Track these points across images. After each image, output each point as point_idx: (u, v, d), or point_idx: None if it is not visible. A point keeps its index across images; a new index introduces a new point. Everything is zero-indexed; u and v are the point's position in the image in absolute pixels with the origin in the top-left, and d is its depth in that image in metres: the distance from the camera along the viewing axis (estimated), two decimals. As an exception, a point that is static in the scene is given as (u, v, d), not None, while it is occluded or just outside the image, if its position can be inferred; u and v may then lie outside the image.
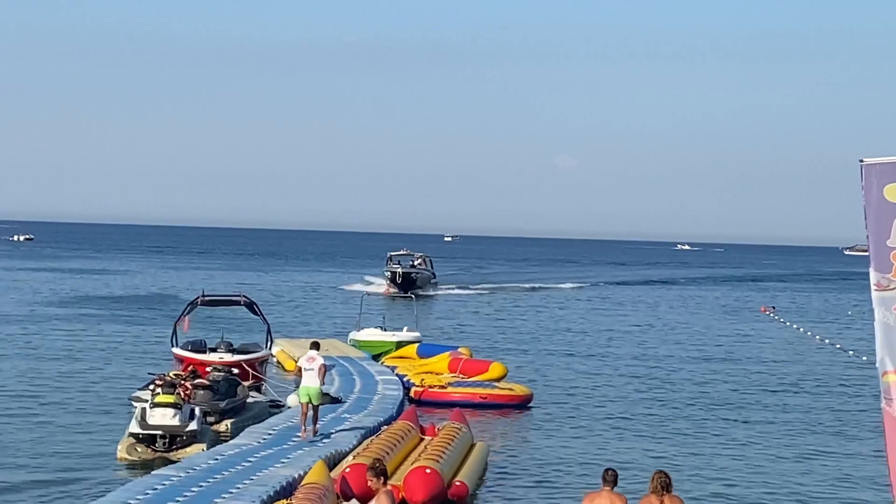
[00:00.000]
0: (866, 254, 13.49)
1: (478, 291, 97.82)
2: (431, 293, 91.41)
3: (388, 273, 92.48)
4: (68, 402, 33.14)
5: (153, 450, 25.54)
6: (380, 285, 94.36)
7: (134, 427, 25.81)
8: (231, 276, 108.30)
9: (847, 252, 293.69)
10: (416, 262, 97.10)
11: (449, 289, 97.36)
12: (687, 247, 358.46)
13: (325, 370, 25.55)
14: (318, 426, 25.47)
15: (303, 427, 25.14)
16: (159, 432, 25.55)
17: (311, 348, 26.10)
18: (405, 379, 36.36)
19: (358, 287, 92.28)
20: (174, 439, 25.63)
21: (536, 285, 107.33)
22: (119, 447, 25.74)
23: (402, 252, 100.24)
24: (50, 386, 36.25)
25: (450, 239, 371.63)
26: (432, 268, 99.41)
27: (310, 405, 25.12)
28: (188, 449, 25.51)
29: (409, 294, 72.05)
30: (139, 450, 25.57)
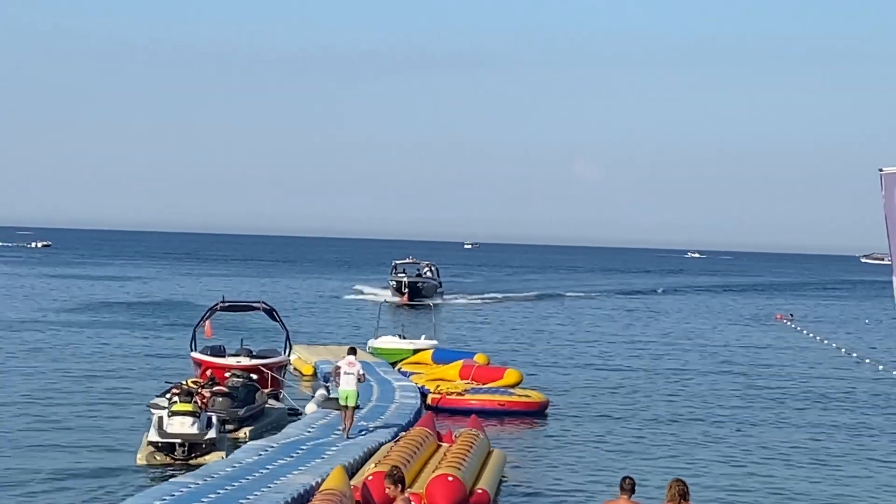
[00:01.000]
0: (884, 262, 13.48)
1: (482, 300, 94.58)
2: (438, 302, 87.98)
3: (394, 283, 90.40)
4: (87, 408, 33.22)
5: (172, 458, 25.63)
6: (378, 294, 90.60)
7: (153, 435, 25.93)
8: (244, 283, 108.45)
9: (864, 260, 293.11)
10: (422, 271, 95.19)
11: (454, 298, 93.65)
12: (697, 255, 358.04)
13: (364, 376, 27.29)
14: (351, 426, 26.80)
15: (344, 425, 26.76)
16: (178, 441, 25.63)
17: (348, 353, 27.53)
18: (422, 387, 36.35)
19: (351, 297, 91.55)
20: (193, 447, 25.72)
21: (543, 292, 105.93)
22: (139, 455, 25.87)
23: (407, 260, 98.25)
24: (68, 391, 36.38)
25: (470, 246, 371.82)
26: (438, 276, 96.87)
27: (351, 408, 26.71)
28: (208, 457, 25.59)
29: (424, 303, 71.97)
30: (158, 458, 25.67)
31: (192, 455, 25.64)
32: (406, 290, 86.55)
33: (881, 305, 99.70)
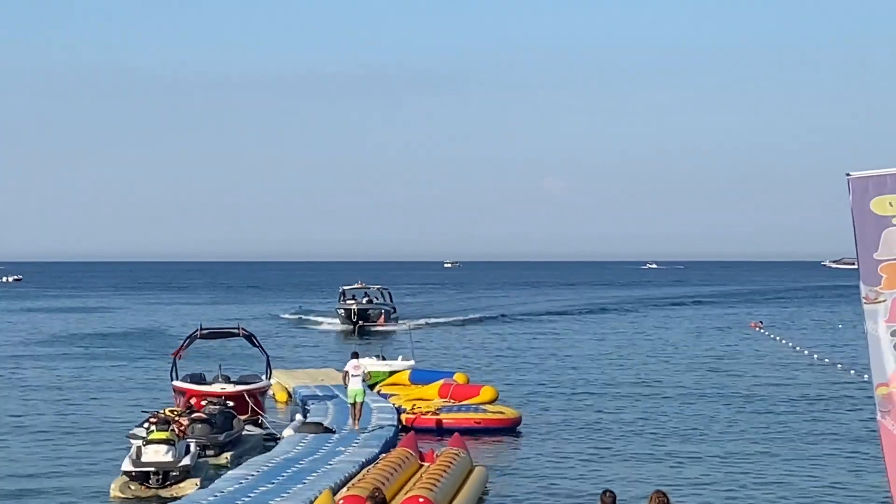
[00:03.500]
0: (853, 266, 13.63)
1: (437, 322, 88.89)
2: (392, 328, 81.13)
3: (342, 311, 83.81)
4: (65, 440, 33.15)
5: (147, 487, 25.56)
6: (324, 322, 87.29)
7: (126, 465, 25.90)
8: (216, 310, 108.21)
9: (833, 265, 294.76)
10: (372, 296, 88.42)
11: (405, 322, 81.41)
12: (654, 265, 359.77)
13: (368, 375, 32.70)
14: (359, 419, 31.35)
15: (352, 420, 31.35)
16: (152, 469, 25.59)
17: (352, 358, 32.47)
18: (398, 406, 36.39)
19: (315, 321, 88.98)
20: (167, 475, 25.67)
21: (505, 314, 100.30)
22: (112, 486, 25.77)
23: (356, 286, 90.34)
24: (46, 424, 36.27)
25: (450, 265, 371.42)
26: (391, 300, 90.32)
27: (359, 404, 31.40)
28: (182, 485, 25.56)
29: (374, 329, 69.34)
30: (132, 487, 25.61)
31: (167, 483, 25.59)
32: (356, 317, 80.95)
33: (845, 309, 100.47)
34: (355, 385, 31.35)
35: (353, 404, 31.48)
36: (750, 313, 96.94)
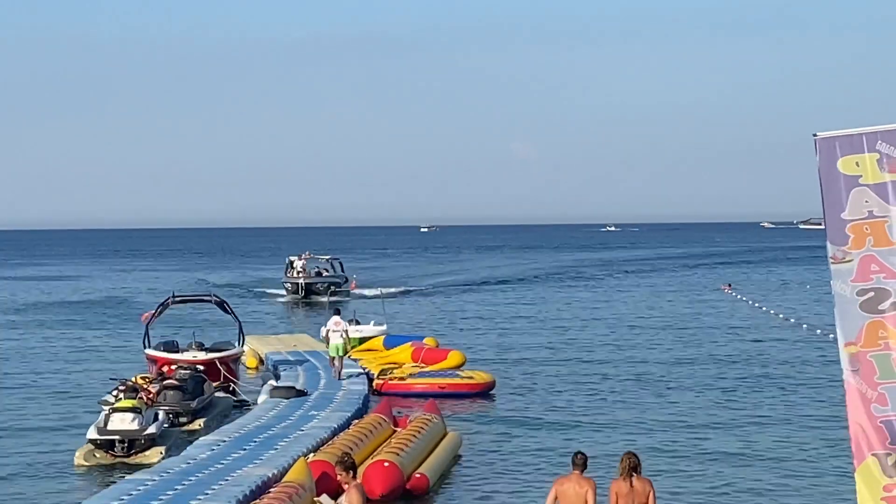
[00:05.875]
0: (821, 227, 13.69)
1: (408, 290, 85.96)
2: (341, 300, 74.38)
3: (289, 284, 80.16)
4: (34, 409, 33.07)
5: (112, 455, 25.54)
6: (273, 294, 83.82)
7: (92, 433, 25.90)
8: (180, 276, 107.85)
9: (802, 226, 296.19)
10: (321, 268, 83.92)
11: (377, 289, 76.89)
12: (613, 228, 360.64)
13: (347, 331, 34.63)
14: (341, 370, 33.96)
15: (334, 372, 34.02)
16: (117, 437, 25.57)
17: (334, 314, 35.34)
18: (368, 371, 36.50)
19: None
20: (133, 444, 25.66)
21: (474, 279, 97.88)
22: (77, 454, 25.78)
23: (304, 256, 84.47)
24: (15, 393, 36.16)
25: (426, 229, 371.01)
26: (342, 270, 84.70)
27: (338, 358, 33.98)
28: (147, 452, 25.58)
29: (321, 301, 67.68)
30: (97, 455, 25.62)
31: (132, 452, 25.58)
32: (303, 292, 77.66)
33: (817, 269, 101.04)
34: (336, 340, 33.83)
35: (334, 358, 34.03)
36: (719, 277, 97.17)
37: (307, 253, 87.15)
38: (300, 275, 79.70)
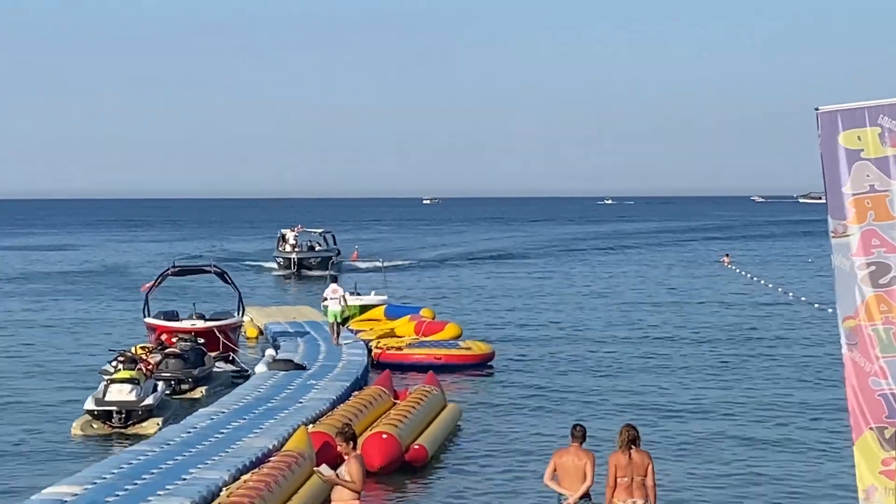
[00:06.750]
0: (821, 201, 13.69)
1: (409, 264, 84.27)
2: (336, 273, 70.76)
3: (280, 259, 78.73)
4: (33, 379, 33.12)
5: (109, 426, 25.58)
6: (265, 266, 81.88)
7: (89, 404, 25.95)
8: (180, 246, 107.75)
9: (802, 200, 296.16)
10: (314, 242, 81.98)
11: (378, 259, 76.22)
12: (610, 202, 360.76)
13: (345, 299, 35.91)
14: (339, 336, 35.10)
15: (333, 338, 35.07)
16: (114, 408, 25.61)
17: (331, 282, 36.73)
18: (367, 342, 36.50)
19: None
20: (130, 414, 25.71)
21: (472, 251, 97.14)
22: (74, 424, 25.84)
23: (296, 230, 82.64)
24: (14, 363, 36.19)
25: (429, 201, 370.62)
26: (335, 243, 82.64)
27: (336, 323, 35.07)
28: (144, 424, 25.62)
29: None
30: (95, 426, 25.67)
31: (129, 422, 25.62)
32: (296, 268, 75.69)
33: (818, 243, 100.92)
34: (334, 307, 35.12)
35: (333, 324, 35.29)
36: (720, 249, 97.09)
37: (299, 226, 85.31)
38: (292, 249, 78.54)
